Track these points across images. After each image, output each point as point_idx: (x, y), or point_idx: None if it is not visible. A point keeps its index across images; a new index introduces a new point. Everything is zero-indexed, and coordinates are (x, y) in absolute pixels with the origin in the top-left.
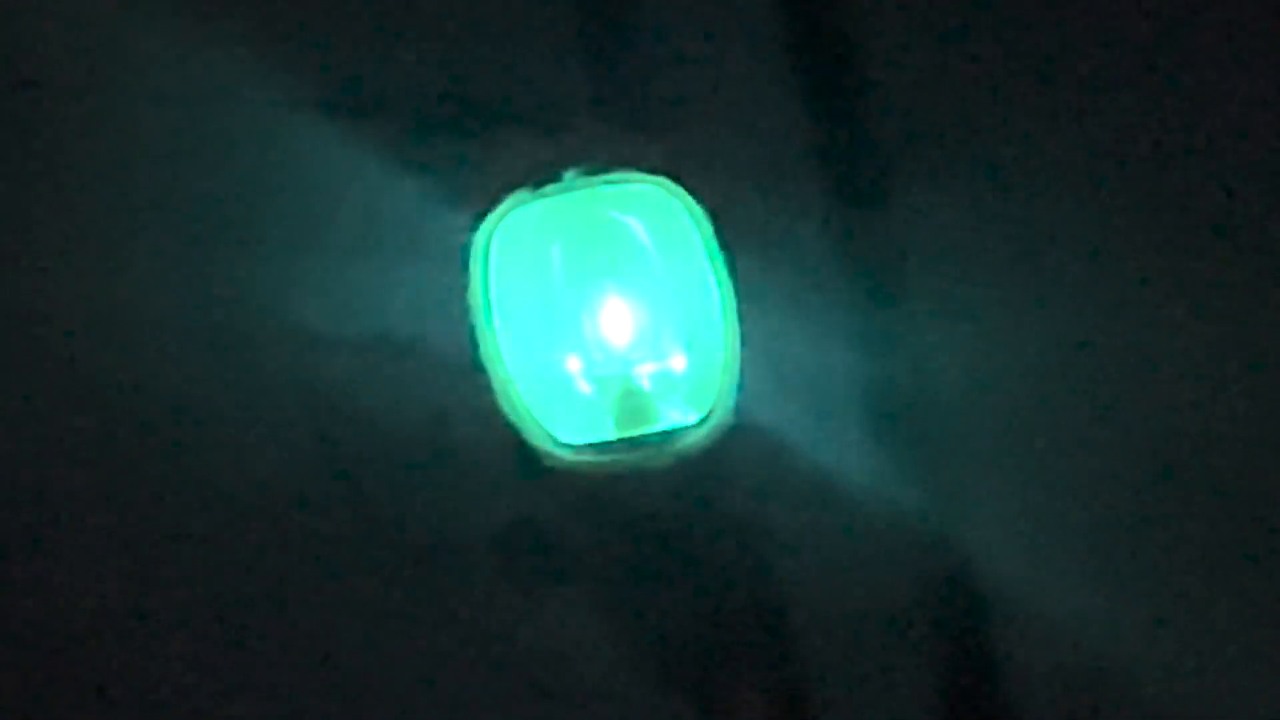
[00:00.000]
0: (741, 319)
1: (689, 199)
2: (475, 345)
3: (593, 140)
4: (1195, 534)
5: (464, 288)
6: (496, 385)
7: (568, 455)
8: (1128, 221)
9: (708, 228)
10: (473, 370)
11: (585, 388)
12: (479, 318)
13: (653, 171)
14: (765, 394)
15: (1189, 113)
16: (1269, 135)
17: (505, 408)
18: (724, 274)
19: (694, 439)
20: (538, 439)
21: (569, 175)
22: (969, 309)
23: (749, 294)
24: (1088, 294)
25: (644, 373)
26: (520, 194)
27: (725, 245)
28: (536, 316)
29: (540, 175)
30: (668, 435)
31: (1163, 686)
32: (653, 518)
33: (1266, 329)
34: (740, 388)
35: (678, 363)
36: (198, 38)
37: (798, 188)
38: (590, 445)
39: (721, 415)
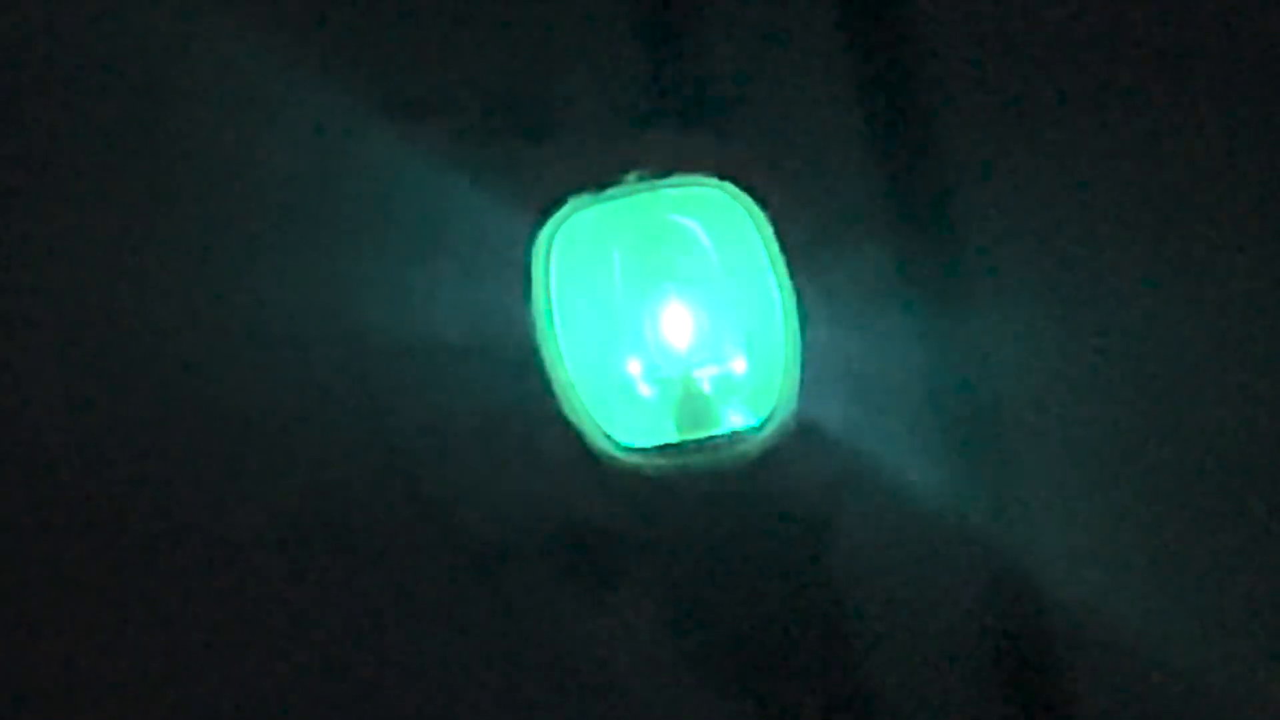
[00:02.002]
0: (802, 321)
1: (749, 202)
2: (536, 348)
3: (653, 143)
4: (1265, 542)
5: (525, 291)
6: (558, 388)
7: (628, 458)
8: (1196, 226)
9: (768, 230)
10: (534, 373)
11: (646, 391)
12: (540, 321)
13: (713, 174)
14: (826, 397)
15: (1265, 114)
16: None
17: (566, 411)
18: (784, 276)
19: (754, 442)
20: (599, 442)
21: (630, 178)
22: (1033, 311)
23: (809, 296)
24: (1155, 297)
25: (704, 376)
26: (581, 197)
27: (785, 248)
28: (597, 319)
29: (601, 178)
30: (728, 438)
31: (1231, 697)
32: (713, 521)
33: None
34: (801, 390)
35: (738, 366)
36: (257, 38)
37: (859, 190)
38: (651, 448)
39: (782, 418)
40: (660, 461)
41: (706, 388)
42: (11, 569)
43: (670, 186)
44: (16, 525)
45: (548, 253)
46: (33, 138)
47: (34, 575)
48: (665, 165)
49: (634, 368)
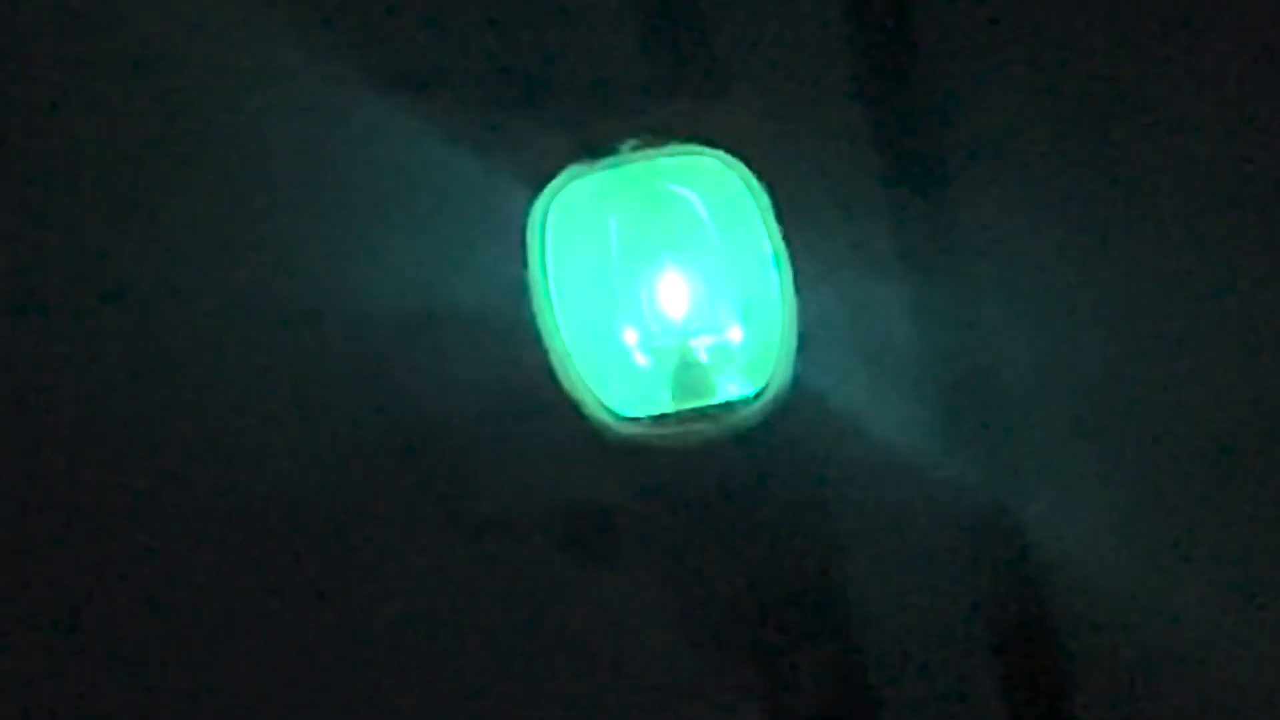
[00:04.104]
0: (798, 291)
1: (746, 171)
2: (533, 318)
3: (650, 113)
4: (1260, 514)
5: (522, 261)
6: (554, 358)
7: (625, 428)
8: (1191, 197)
9: (765, 200)
10: (531, 343)
11: (643, 360)
12: (537, 290)
13: (710, 144)
14: (822, 366)
15: (1259, 96)
16: None
17: (563, 380)
18: (781, 246)
19: (751, 411)
20: (596, 411)
21: (626, 148)
22: (1028, 282)
23: (806, 266)
24: (1151, 268)
25: (701, 345)
26: (578, 167)
27: (782, 217)
28: (594, 289)
29: (597, 148)
30: (725, 408)
31: (1224, 666)
32: (710, 490)
33: None
34: (797, 360)
35: (735, 335)
36: (257, 15)
37: (856, 160)
38: (648, 418)
39: (778, 388)
40: (657, 431)
41: (703, 357)
42: (14, 550)
43: (666, 156)
44: (19, 502)
45: (544, 222)
46: (43, 122)
47: (42, 551)
48: (662, 134)
49: (630, 337)
